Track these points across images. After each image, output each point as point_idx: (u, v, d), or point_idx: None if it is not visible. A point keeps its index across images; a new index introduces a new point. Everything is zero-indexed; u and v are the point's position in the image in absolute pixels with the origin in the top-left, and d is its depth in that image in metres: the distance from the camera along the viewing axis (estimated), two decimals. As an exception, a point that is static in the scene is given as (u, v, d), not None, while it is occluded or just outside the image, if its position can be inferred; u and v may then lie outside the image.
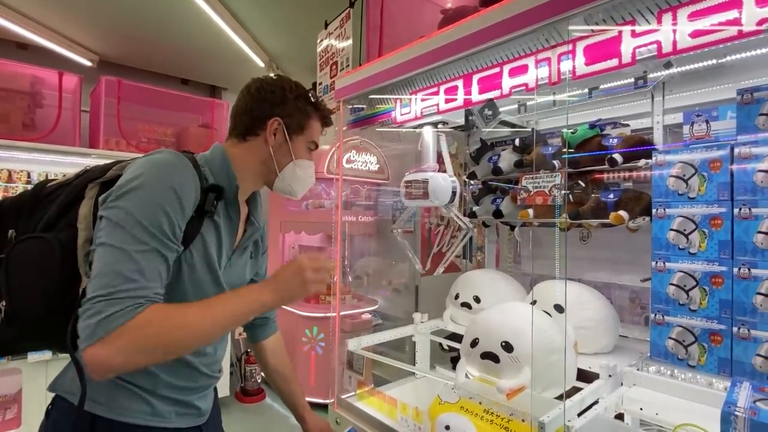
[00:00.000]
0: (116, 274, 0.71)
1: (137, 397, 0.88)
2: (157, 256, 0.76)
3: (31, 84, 3.04)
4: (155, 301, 0.74)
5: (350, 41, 1.97)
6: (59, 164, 3.11)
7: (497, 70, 1.14)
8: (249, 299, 0.85)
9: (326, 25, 2.15)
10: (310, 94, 1.03)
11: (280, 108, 0.98)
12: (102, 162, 0.93)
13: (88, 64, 3.97)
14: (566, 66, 0.99)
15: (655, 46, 0.87)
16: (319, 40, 2.22)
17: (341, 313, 1.74)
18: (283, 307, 3.84)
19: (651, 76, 1.03)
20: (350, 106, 1.76)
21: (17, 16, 3.29)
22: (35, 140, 2.91)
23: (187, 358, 0.92)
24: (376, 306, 3.55)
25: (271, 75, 1.05)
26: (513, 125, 1.79)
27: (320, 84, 2.18)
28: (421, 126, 1.54)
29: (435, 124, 1.53)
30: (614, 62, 0.92)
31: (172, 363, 0.90)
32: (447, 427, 1.17)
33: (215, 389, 1.13)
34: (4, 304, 0.79)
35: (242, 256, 1.04)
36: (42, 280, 0.72)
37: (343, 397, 1.61)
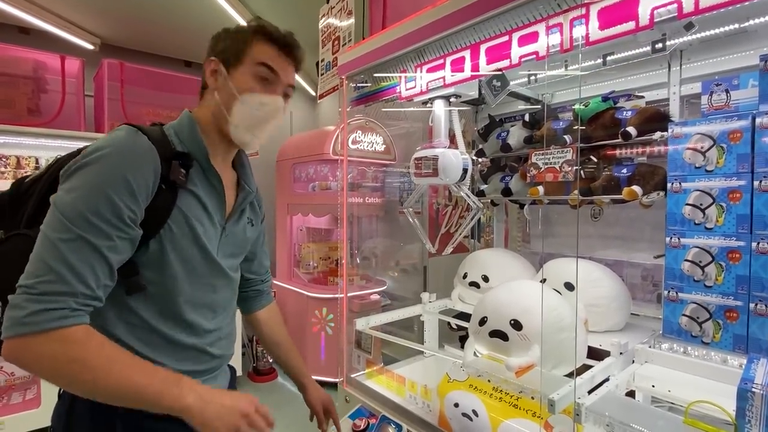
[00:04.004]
0: (41, 263, 0.68)
1: None
2: (87, 246, 0.70)
3: (34, 69, 3.02)
4: (82, 311, 0.70)
5: (352, 15, 1.91)
6: (66, 150, 3.06)
7: (506, 38, 1.09)
8: (169, 384, 0.73)
9: (327, 0, 2.09)
10: (253, 22, 0.91)
11: (215, 45, 0.91)
12: None
13: (90, 47, 3.93)
14: (579, 31, 0.93)
15: (675, 6, 0.82)
16: (320, 16, 2.15)
17: (349, 294, 1.75)
18: (292, 287, 3.83)
19: (670, 43, 0.97)
20: (353, 85, 1.72)
21: (19, 0, 3.25)
22: (40, 125, 2.90)
23: (185, 341, 0.87)
24: (385, 287, 3.56)
25: None
26: (527, 98, 1.73)
27: (322, 61, 2.12)
28: (430, 101, 1.49)
29: (447, 98, 1.47)
30: (631, 25, 0.87)
31: (170, 347, 0.86)
32: (456, 405, 1.17)
33: (233, 369, 1.09)
34: None
35: (239, 223, 0.99)
36: None
37: (352, 375, 1.63)
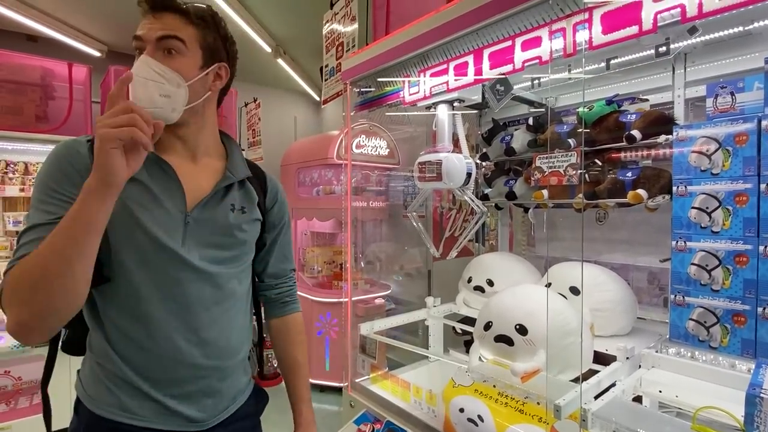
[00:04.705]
0: None
1: (101, 383, 0.83)
2: (34, 228, 0.77)
3: (41, 76, 3.07)
4: None
5: (356, 21, 1.92)
6: (73, 155, 3.14)
7: (509, 43, 1.09)
8: (78, 199, 0.70)
9: (331, 6, 2.10)
10: None
11: None
12: None
13: (97, 54, 3.98)
14: (582, 36, 0.93)
15: (678, 10, 0.82)
16: (324, 21, 2.17)
17: (354, 298, 1.75)
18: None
19: (674, 46, 0.97)
20: (357, 90, 1.73)
21: (27, 8, 3.31)
22: (48, 132, 2.94)
23: (147, 341, 0.83)
24: (389, 291, 3.56)
25: None
26: (531, 102, 1.73)
27: (326, 66, 2.14)
28: (434, 105, 1.50)
29: (450, 103, 1.48)
30: (634, 29, 0.87)
31: (135, 348, 0.83)
32: (461, 410, 1.17)
33: (260, 392, 1.04)
34: None
35: (215, 209, 0.92)
36: None
37: (356, 380, 1.62)
